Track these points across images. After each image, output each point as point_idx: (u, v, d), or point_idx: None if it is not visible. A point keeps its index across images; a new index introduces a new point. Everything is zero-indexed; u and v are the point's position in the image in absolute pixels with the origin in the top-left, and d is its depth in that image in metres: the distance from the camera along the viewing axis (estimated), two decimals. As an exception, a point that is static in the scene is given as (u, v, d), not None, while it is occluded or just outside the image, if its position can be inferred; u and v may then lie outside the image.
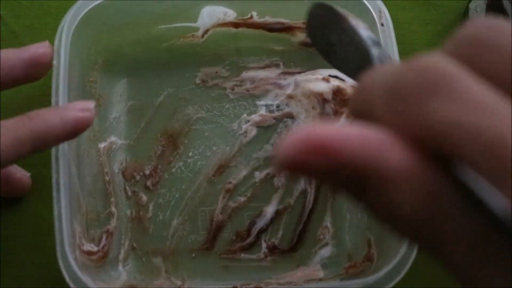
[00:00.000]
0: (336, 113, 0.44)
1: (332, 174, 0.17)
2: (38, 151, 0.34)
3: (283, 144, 0.17)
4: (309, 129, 0.17)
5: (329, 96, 0.43)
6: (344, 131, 0.16)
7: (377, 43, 0.30)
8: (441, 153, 0.16)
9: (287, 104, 0.45)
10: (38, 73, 0.38)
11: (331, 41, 0.33)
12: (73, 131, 0.35)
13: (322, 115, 0.43)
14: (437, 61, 0.17)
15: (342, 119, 0.43)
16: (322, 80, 0.44)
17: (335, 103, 0.44)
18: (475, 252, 0.16)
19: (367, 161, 0.16)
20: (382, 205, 0.17)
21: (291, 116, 0.45)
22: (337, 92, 0.43)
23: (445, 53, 0.18)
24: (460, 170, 0.16)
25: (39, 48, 0.38)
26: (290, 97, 0.44)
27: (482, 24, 0.17)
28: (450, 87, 0.16)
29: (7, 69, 0.36)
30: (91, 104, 0.36)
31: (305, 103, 0.43)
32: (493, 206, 0.16)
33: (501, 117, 0.15)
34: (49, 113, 0.35)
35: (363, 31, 0.31)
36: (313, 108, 0.42)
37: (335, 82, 0.44)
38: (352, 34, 0.30)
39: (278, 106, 0.45)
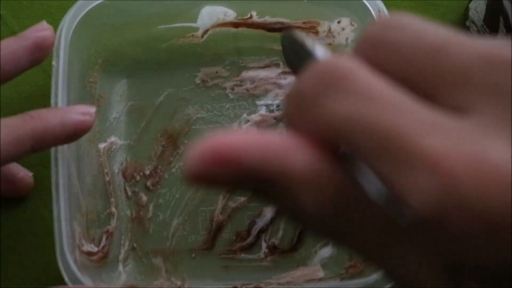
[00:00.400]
0: None
1: (238, 182, 0.17)
2: (37, 151, 0.34)
3: (188, 157, 0.17)
4: (212, 139, 0.17)
5: None
6: (245, 139, 0.17)
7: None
8: (342, 149, 0.17)
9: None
10: (43, 56, 0.38)
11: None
12: (73, 133, 0.35)
13: None
14: (335, 61, 0.17)
15: None
16: None
17: None
18: (383, 236, 0.17)
19: (268, 167, 0.16)
20: (290, 207, 0.17)
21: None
22: None
23: (352, 54, 0.18)
24: (352, 163, 0.17)
25: (40, 32, 0.38)
26: None
27: (380, 23, 0.18)
28: (343, 84, 0.16)
29: (13, 61, 0.36)
30: (92, 109, 0.36)
31: None
32: (369, 191, 0.16)
33: (393, 109, 0.15)
34: (50, 114, 0.35)
35: (319, 52, 0.32)
36: None
37: None
38: (310, 57, 0.32)
39: (278, 106, 0.45)
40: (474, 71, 0.16)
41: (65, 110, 0.36)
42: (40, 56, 0.38)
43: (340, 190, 0.17)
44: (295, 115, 0.17)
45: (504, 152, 0.14)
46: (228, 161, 0.16)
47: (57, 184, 0.37)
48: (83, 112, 0.36)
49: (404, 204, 0.15)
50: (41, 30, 0.38)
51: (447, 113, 0.16)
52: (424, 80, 0.16)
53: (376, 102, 0.16)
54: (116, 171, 0.44)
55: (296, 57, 0.36)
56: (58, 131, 0.34)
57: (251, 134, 0.17)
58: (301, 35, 0.35)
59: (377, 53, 0.17)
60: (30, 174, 0.42)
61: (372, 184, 0.16)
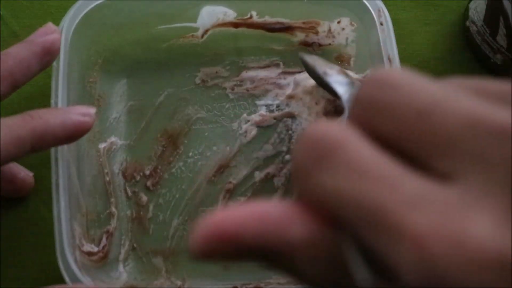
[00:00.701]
0: None
1: (241, 255, 0.17)
2: (37, 151, 0.34)
3: (194, 236, 0.18)
4: (213, 217, 0.17)
5: None
6: (244, 212, 0.17)
7: (348, 84, 0.33)
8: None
9: (287, 105, 0.45)
10: (52, 60, 0.38)
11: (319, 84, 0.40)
12: (73, 134, 0.35)
13: (326, 110, 0.43)
14: (326, 130, 0.17)
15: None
16: None
17: None
18: None
19: (265, 240, 0.17)
20: (292, 273, 0.18)
21: (292, 116, 0.45)
22: None
23: (348, 116, 0.19)
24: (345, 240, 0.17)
25: (48, 36, 0.38)
26: (290, 97, 0.44)
27: (374, 81, 0.18)
28: (334, 156, 0.16)
29: (24, 69, 0.36)
30: (92, 110, 0.36)
31: (307, 100, 0.43)
32: (356, 277, 0.16)
33: (381, 185, 0.16)
34: (51, 114, 0.35)
35: (332, 78, 0.34)
36: (316, 103, 0.42)
37: None
38: (324, 80, 0.34)
39: (278, 106, 0.45)
40: (460, 138, 0.16)
41: (65, 111, 0.36)
42: (50, 60, 0.38)
43: (334, 261, 0.17)
44: (295, 184, 0.18)
45: (487, 227, 0.14)
46: (228, 238, 0.17)
47: (57, 184, 0.37)
48: (83, 113, 0.36)
49: (394, 275, 0.15)
50: (48, 33, 0.38)
51: (433, 182, 0.16)
52: (415, 144, 0.16)
53: (365, 177, 0.16)
54: (116, 171, 0.44)
55: (314, 74, 0.38)
56: (58, 131, 0.34)
57: (250, 208, 0.17)
58: (313, 57, 0.36)
59: (370, 114, 0.17)
60: (31, 174, 0.42)
61: (359, 270, 0.16)
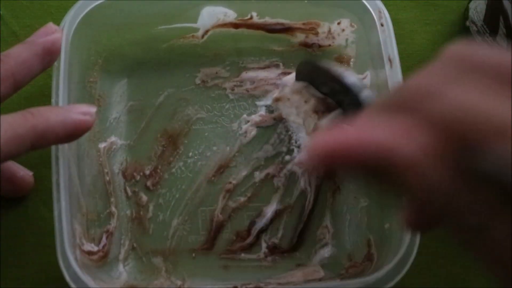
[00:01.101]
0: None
1: (358, 168, 0.22)
2: (37, 149, 0.34)
3: (317, 143, 0.23)
4: (334, 134, 0.22)
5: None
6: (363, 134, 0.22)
7: (363, 86, 0.35)
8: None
9: (275, 108, 0.45)
10: (53, 60, 0.39)
11: (321, 91, 0.41)
12: (73, 132, 0.35)
13: (316, 108, 0.43)
14: (465, 49, 0.23)
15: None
16: None
17: None
18: (485, 214, 0.20)
19: (382, 157, 0.21)
20: (401, 187, 0.22)
21: (280, 119, 0.45)
22: None
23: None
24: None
25: (48, 36, 0.38)
26: (277, 99, 0.44)
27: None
28: (469, 75, 0.21)
29: (25, 70, 0.36)
30: (92, 109, 0.36)
31: (295, 99, 0.43)
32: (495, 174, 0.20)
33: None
34: (51, 112, 0.35)
35: (349, 79, 0.36)
36: (305, 102, 0.42)
37: None
38: (340, 82, 0.35)
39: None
40: None
41: (66, 109, 0.36)
42: (51, 60, 0.38)
43: (445, 178, 0.20)
44: (411, 104, 0.22)
45: None
46: (351, 151, 0.22)
47: (57, 183, 0.37)
48: (83, 112, 0.36)
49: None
50: (49, 33, 0.38)
51: None
52: None
53: (493, 96, 0.20)
54: (116, 171, 0.44)
55: (312, 82, 0.39)
56: (58, 130, 0.34)
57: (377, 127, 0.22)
58: (325, 62, 0.38)
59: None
60: (31, 173, 0.42)
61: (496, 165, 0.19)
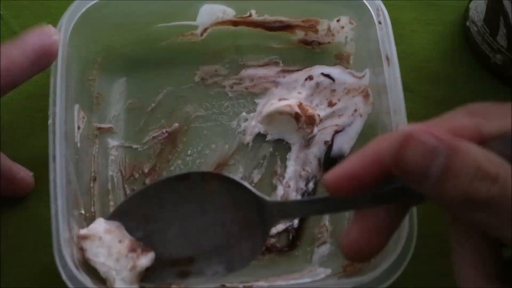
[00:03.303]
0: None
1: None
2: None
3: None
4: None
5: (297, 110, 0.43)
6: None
7: None
8: None
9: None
10: (49, 62, 0.38)
11: None
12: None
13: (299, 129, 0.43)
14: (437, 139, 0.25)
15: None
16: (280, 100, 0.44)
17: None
18: None
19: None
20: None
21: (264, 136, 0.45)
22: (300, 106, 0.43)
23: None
24: None
25: (44, 39, 0.38)
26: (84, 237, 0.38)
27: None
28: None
29: (15, 70, 0.36)
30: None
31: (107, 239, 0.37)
32: None
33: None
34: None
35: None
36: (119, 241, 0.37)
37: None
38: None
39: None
40: None
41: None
42: (46, 63, 0.38)
43: None
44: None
45: None
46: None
47: (54, 182, 0.37)
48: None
49: None
50: (44, 34, 0.38)
51: None
52: None
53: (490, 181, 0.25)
54: (115, 169, 0.44)
55: None
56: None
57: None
58: None
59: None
60: (30, 174, 0.42)
61: None
